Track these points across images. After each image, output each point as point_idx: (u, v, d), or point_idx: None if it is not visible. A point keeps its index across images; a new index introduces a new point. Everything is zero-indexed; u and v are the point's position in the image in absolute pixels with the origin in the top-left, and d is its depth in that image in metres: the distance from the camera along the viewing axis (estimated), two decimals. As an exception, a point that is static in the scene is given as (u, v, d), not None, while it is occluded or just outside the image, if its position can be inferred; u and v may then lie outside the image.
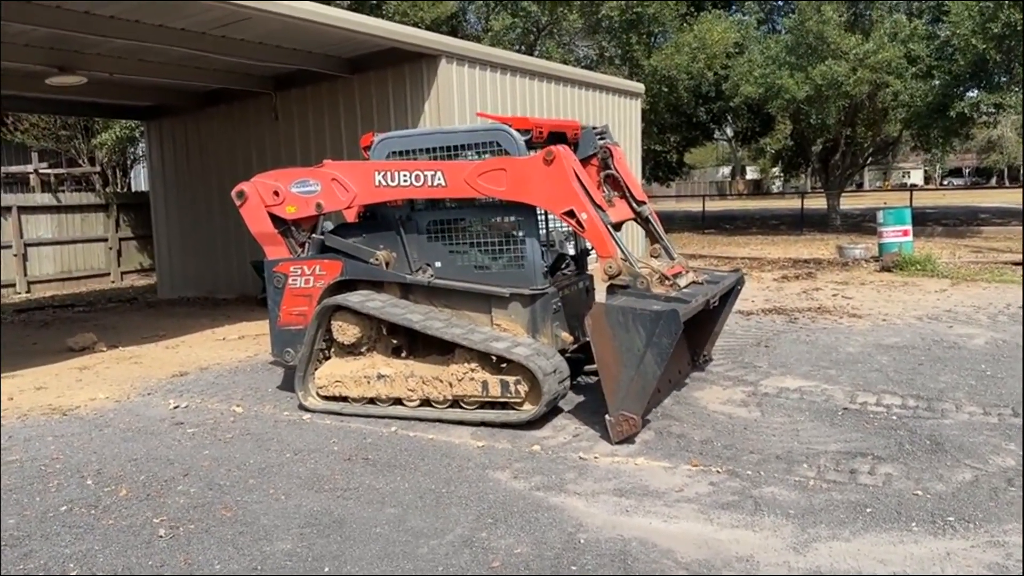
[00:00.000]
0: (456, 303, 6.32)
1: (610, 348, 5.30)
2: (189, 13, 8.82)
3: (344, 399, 6.33)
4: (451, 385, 5.89)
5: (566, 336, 6.23)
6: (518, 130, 6.09)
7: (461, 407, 5.97)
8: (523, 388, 5.70)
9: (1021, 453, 4.96)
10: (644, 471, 4.90)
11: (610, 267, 5.66)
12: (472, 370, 5.83)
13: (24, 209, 17.12)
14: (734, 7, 28.39)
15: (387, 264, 6.46)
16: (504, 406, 5.84)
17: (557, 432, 5.70)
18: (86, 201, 18.85)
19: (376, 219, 6.57)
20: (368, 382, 6.19)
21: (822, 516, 4.15)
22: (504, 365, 5.81)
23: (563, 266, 6.77)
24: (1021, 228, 20.28)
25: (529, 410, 5.71)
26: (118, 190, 23.12)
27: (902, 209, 15.53)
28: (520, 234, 6.10)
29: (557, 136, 6.67)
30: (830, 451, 5.10)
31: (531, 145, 6.22)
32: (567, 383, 5.85)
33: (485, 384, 5.79)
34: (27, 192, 20.52)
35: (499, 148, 6.05)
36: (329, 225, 6.93)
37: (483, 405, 5.90)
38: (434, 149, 6.32)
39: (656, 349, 5.13)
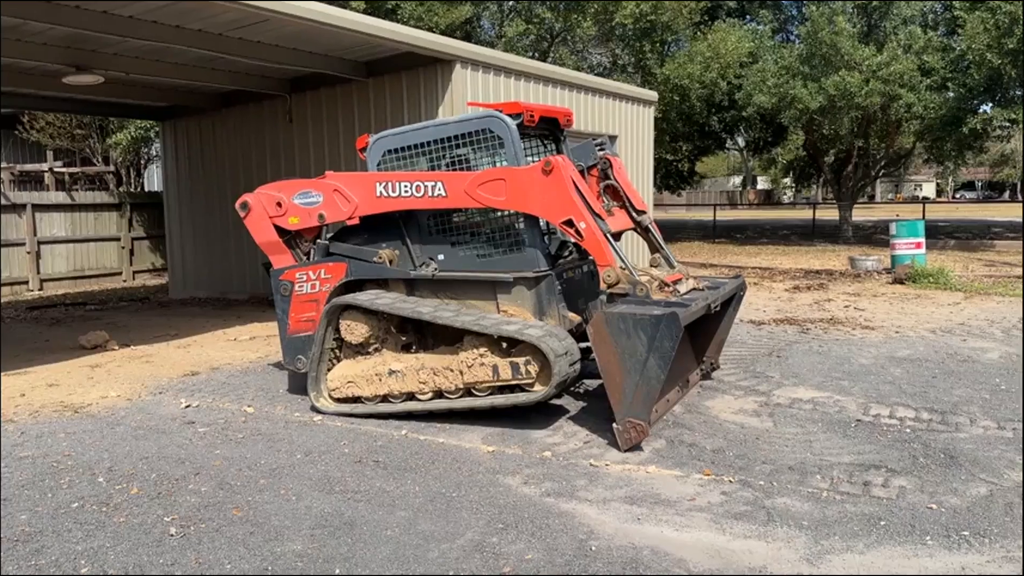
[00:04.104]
0: (462, 293, 6.35)
1: (613, 356, 5.29)
2: (207, 14, 8.87)
3: (356, 399, 6.34)
4: (462, 373, 5.88)
5: (573, 316, 6.24)
6: (509, 115, 6.10)
7: (473, 395, 5.96)
8: (533, 368, 5.67)
9: (1021, 464, 4.94)
10: (656, 479, 4.88)
11: (609, 275, 5.66)
12: (482, 355, 5.82)
13: (38, 207, 17.23)
14: (748, 16, 28.37)
15: (390, 262, 6.50)
16: (514, 390, 5.84)
17: (568, 438, 5.69)
18: (100, 200, 18.96)
19: (377, 219, 6.59)
20: (380, 379, 6.20)
21: (835, 528, 4.12)
22: (513, 348, 5.81)
23: (566, 254, 6.77)
24: (1021, 242, 20.19)
25: (539, 391, 5.70)
26: (132, 190, 23.26)
27: (915, 221, 15.47)
28: (520, 220, 6.13)
29: (549, 121, 6.71)
30: (843, 463, 5.07)
31: (523, 129, 6.24)
32: (577, 366, 5.83)
33: (495, 368, 5.77)
34: (41, 190, 20.64)
35: (491, 134, 6.09)
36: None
37: (495, 391, 5.89)
38: (428, 143, 6.36)
39: (659, 354, 5.12)
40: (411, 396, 6.17)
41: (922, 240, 15.08)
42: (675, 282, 6.16)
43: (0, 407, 6.86)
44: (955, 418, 5.94)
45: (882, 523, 4.15)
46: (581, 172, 6.44)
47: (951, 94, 21.95)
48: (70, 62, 10.36)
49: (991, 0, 19.25)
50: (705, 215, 40.66)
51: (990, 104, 22.21)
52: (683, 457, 5.26)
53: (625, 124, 15.11)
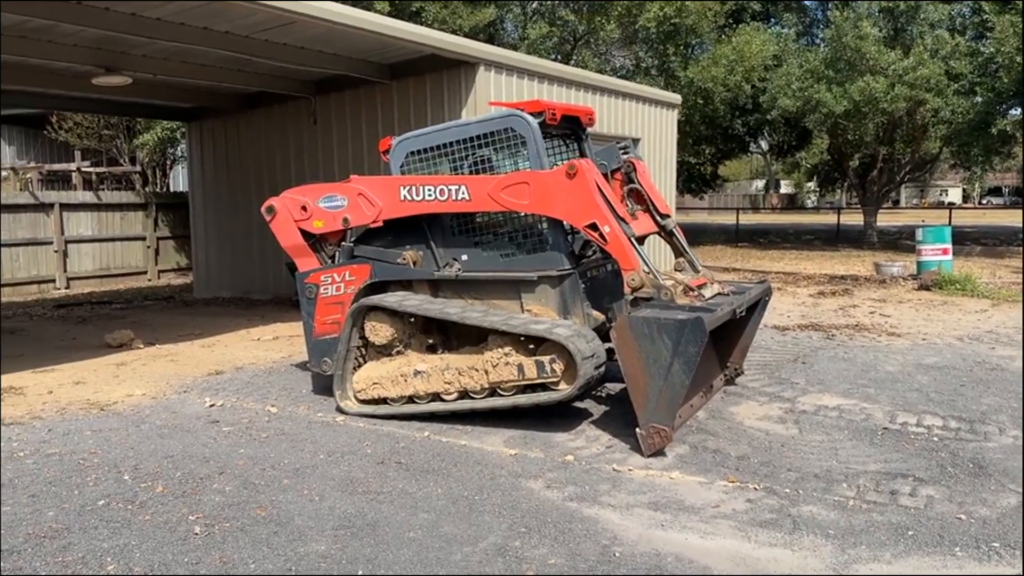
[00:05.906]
0: (485, 293, 6.35)
1: (637, 360, 5.25)
2: (234, 16, 8.94)
3: (382, 401, 6.35)
4: (487, 373, 5.87)
5: (598, 315, 6.21)
6: (531, 113, 6.09)
7: (497, 395, 5.95)
8: (559, 367, 5.65)
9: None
10: (679, 485, 4.85)
11: (633, 279, 5.63)
12: (507, 354, 5.80)
13: (66, 206, 17.45)
14: (773, 19, 28.17)
15: (414, 263, 6.51)
16: (536, 389, 5.82)
17: (590, 443, 5.66)
18: (126, 200, 19.19)
19: (401, 221, 6.61)
20: (405, 380, 6.21)
21: (862, 537, 4.06)
22: (538, 348, 5.79)
23: (590, 252, 6.75)
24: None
25: (564, 390, 5.68)
26: (157, 190, 23.51)
27: (941, 227, 15.28)
28: (543, 219, 6.12)
29: (571, 120, 6.70)
30: (870, 471, 5.01)
31: (545, 129, 6.22)
32: (603, 369, 5.81)
33: (521, 367, 5.75)
34: (69, 189, 20.90)
35: (514, 133, 6.09)
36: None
37: (518, 391, 5.87)
38: (450, 144, 6.37)
39: (683, 358, 5.08)
40: (436, 396, 6.18)
41: (948, 246, 14.87)
42: (700, 286, 6.11)
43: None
44: (984, 427, 5.85)
45: (910, 533, 4.10)
46: (605, 175, 6.43)
47: (979, 98, 21.64)
48: (99, 63, 10.49)
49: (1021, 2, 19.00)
50: (727, 219, 40.42)
51: (1019, 108, 21.87)
52: (707, 463, 5.22)
53: (648, 127, 15.06)
